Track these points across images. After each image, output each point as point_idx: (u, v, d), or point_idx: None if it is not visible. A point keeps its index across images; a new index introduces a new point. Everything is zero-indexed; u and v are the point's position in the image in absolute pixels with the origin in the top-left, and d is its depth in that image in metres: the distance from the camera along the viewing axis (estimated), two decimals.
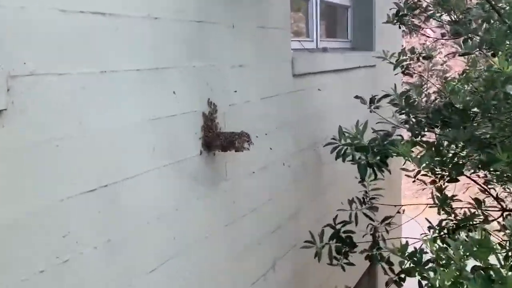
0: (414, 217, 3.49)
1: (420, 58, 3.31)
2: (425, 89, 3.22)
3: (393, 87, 3.13)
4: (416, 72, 3.46)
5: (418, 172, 2.94)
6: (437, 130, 2.95)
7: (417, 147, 2.78)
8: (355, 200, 3.25)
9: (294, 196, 3.26)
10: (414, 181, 3.08)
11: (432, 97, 3.23)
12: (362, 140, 2.84)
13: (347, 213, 3.19)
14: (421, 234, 2.96)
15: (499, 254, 2.04)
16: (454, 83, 2.94)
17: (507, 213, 3.13)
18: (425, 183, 3.16)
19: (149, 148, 1.97)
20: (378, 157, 2.87)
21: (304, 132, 3.38)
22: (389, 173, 2.94)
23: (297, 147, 3.28)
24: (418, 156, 2.49)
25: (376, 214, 3.24)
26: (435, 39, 4.56)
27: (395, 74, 3.30)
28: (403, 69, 3.31)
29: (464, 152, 2.85)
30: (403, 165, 2.96)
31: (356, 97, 3.32)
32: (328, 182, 3.78)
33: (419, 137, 2.97)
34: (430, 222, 3.08)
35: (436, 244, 2.28)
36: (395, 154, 2.51)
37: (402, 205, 3.73)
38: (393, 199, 5.15)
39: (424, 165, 2.47)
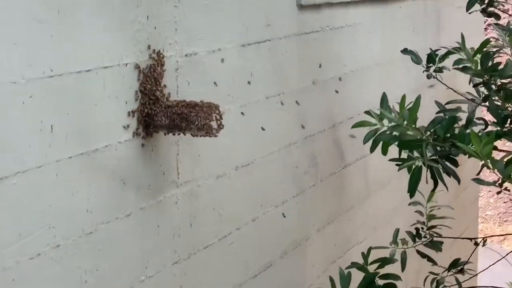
0: (504, 257, 3.50)
1: None
2: None
3: (459, 39, 3.11)
4: (506, 10, 3.44)
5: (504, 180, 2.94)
6: None
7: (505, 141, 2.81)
8: (403, 230, 3.24)
9: (297, 215, 3.29)
10: (499, 193, 3.07)
11: None
12: (410, 128, 2.82)
13: (387, 251, 3.18)
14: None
15: None
16: None
17: None
18: None
19: (42, 127, 1.97)
20: (442, 152, 2.85)
21: (316, 106, 3.39)
22: (458, 183, 2.92)
23: (304, 131, 3.30)
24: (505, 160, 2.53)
25: (439, 253, 3.24)
26: None
27: (469, 13, 3.27)
28: (483, 5, 3.28)
29: None
30: (479, 173, 2.94)
31: (405, 51, 3.29)
32: (356, 193, 3.81)
33: (509, 124, 2.98)
34: None
35: None
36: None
37: (483, 237, 3.71)
38: (465, 224, 5.14)
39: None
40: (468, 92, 3.26)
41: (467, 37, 3.22)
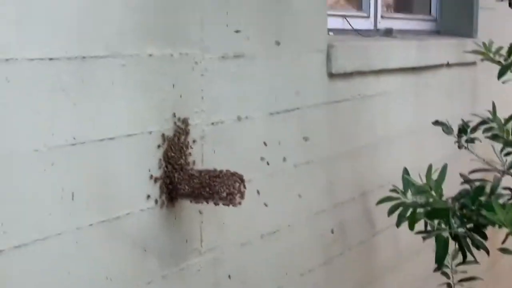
0: None
1: None
2: None
3: (491, 108, 3.12)
4: None
5: None
6: None
7: None
8: None
9: (324, 284, 3.26)
10: None
11: None
12: (437, 198, 2.81)
13: None
14: None
15: None
16: None
17: None
18: None
19: (63, 195, 1.97)
20: (471, 224, 2.83)
21: (344, 175, 3.39)
22: (487, 255, 2.88)
23: (332, 199, 3.29)
24: None
25: None
26: None
27: (503, 83, 3.27)
28: None
29: None
30: (504, 242, 2.91)
31: (436, 123, 3.30)
32: (385, 262, 3.78)
33: None
34: None
35: None
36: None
37: None
38: None
39: None
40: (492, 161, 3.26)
41: (504, 106, 3.21)
